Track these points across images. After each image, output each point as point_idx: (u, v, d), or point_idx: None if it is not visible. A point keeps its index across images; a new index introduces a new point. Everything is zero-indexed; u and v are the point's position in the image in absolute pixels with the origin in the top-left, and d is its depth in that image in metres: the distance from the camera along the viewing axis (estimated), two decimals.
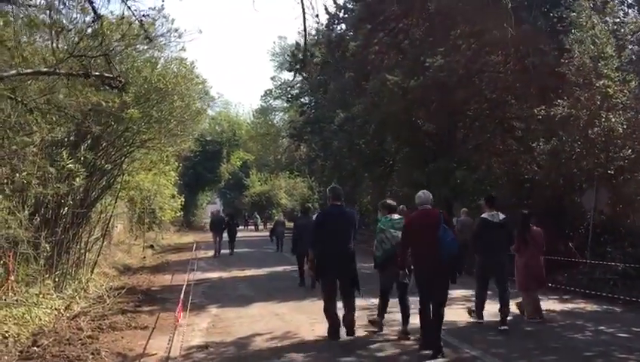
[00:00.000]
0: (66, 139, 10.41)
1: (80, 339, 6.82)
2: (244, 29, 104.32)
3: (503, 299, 7.39)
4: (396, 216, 7.16)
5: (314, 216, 10.51)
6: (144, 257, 20.03)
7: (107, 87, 6.15)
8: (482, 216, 7.81)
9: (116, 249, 18.37)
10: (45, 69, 5.70)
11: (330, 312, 6.79)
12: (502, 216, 7.66)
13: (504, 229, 7.62)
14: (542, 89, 13.61)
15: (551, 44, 13.34)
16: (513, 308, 7.85)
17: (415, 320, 6.57)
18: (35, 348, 6.30)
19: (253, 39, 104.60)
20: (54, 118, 7.30)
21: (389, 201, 7.55)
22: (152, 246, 24.08)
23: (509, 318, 7.39)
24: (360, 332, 7.03)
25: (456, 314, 8.06)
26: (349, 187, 27.89)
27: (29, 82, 6.27)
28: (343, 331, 6.78)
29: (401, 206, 12.72)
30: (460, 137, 19.41)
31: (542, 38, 13.30)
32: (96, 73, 5.85)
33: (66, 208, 10.43)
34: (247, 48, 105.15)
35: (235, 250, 20.92)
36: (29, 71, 5.66)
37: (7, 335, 6.79)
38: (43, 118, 7.12)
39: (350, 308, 6.85)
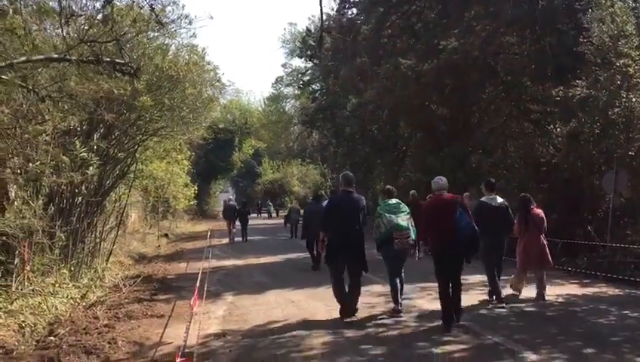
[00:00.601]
0: (79, 128, 10.40)
1: (96, 328, 6.81)
2: (255, 17, 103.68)
3: (499, 280, 7.92)
4: (393, 201, 7.45)
5: (324, 203, 10.67)
6: (159, 246, 20.09)
7: (119, 74, 6.03)
8: (481, 199, 8.20)
9: (131, 238, 18.41)
10: (56, 56, 5.60)
11: (339, 295, 7.14)
12: (500, 200, 8.00)
13: (501, 212, 7.91)
14: (559, 70, 13.30)
15: (569, 23, 13.02)
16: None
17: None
18: (51, 337, 6.28)
19: (264, 26, 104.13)
20: (66, 107, 7.23)
21: (388, 186, 7.97)
22: (166, 235, 24.16)
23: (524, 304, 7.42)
24: (383, 319, 6.95)
25: (475, 299, 7.96)
26: (362, 173, 27.72)
27: (39, 70, 6.17)
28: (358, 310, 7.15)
29: (412, 191, 12.99)
30: (475, 121, 19.16)
31: (559, 17, 12.97)
32: (108, 59, 5.73)
33: (81, 197, 10.43)
34: (258, 36, 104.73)
35: (249, 238, 21.17)
36: (39, 57, 5.56)
37: (23, 325, 6.78)
38: (55, 106, 7.05)
39: (355, 288, 7.16)
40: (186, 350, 5.69)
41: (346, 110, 25.42)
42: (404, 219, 7.21)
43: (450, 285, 6.52)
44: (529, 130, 16.98)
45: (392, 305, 7.30)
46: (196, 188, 29.48)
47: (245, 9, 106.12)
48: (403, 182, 24.99)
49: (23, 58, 5.40)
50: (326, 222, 7.37)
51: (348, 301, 7.08)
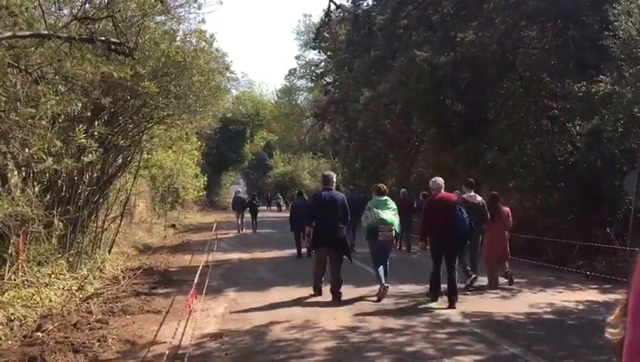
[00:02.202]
0: (83, 115, 10.06)
1: (88, 324, 6.45)
2: (269, 8, 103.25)
3: (474, 269, 8.93)
4: (382, 198, 8.40)
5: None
6: (165, 236, 19.83)
7: (114, 53, 5.64)
8: (463, 196, 8.97)
9: (137, 228, 18.13)
10: (45, 32, 5.21)
11: (316, 274, 8.33)
12: (479, 198, 9.09)
13: (480, 208, 8.90)
14: (581, 65, 12.74)
15: (593, 16, 12.43)
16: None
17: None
18: (38, 333, 5.92)
19: (278, 18, 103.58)
20: (62, 89, 6.86)
21: (379, 185, 8.84)
22: (173, 226, 23.91)
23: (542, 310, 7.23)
24: (390, 323, 6.54)
25: (491, 304, 7.53)
26: (374, 168, 27.27)
27: (32, 49, 5.80)
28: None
29: (403, 189, 15.73)
30: (490, 117, 18.63)
31: (583, 9, 12.39)
32: (102, 38, 5.34)
33: (81, 185, 10.10)
34: (272, 27, 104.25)
35: (258, 231, 21.19)
36: (26, 33, 5.18)
37: (12, 317, 6.44)
38: (50, 88, 6.68)
39: (336, 277, 8.09)
40: (179, 351, 5.33)
41: (359, 103, 24.96)
42: (389, 215, 8.15)
43: (447, 269, 7.54)
44: (547, 127, 16.45)
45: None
46: (206, 178, 29.26)
47: (260, 0, 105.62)
48: (415, 178, 24.54)
49: (9, 33, 5.02)
50: (311, 215, 8.53)
51: (320, 281, 8.29)
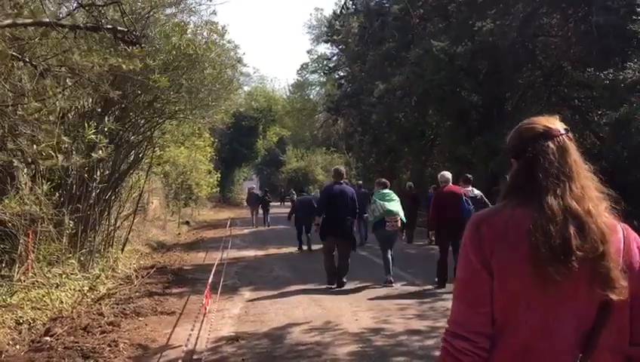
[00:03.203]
0: (93, 111, 9.82)
1: (100, 326, 6.20)
2: (280, 3, 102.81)
3: None
4: (386, 191, 8.95)
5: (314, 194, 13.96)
6: (179, 234, 19.63)
7: (122, 44, 5.35)
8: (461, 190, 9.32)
9: (151, 225, 17.94)
10: (47, 20, 4.93)
11: (328, 267, 8.69)
12: (477, 191, 9.39)
13: (478, 201, 8.99)
14: (605, 52, 12.27)
15: (620, 1, 11.95)
16: None
17: None
18: (47, 337, 5.67)
19: (290, 12, 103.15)
20: (69, 83, 6.59)
21: (383, 180, 9.40)
22: (187, 223, 23.74)
23: None
24: (415, 324, 6.21)
25: None
26: (388, 162, 26.87)
27: (36, 39, 5.52)
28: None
29: (409, 183, 16.36)
30: (509, 108, 18.18)
31: None
32: (109, 26, 5.05)
33: (93, 183, 9.87)
34: (284, 22, 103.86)
35: (271, 227, 21.46)
36: (27, 21, 4.90)
37: (21, 321, 6.20)
38: (57, 82, 6.42)
39: (342, 265, 8.64)
40: (194, 357, 5.05)
41: (373, 97, 24.57)
42: (394, 206, 8.70)
43: (454, 257, 7.64)
44: (568, 117, 15.99)
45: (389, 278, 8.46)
46: (219, 175, 29.07)
47: None
48: (430, 172, 24.10)
49: (9, 21, 4.74)
50: (320, 208, 9.09)
51: (334, 275, 8.58)
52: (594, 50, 12.65)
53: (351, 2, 23.55)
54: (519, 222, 1.43)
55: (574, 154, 1.54)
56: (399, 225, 8.65)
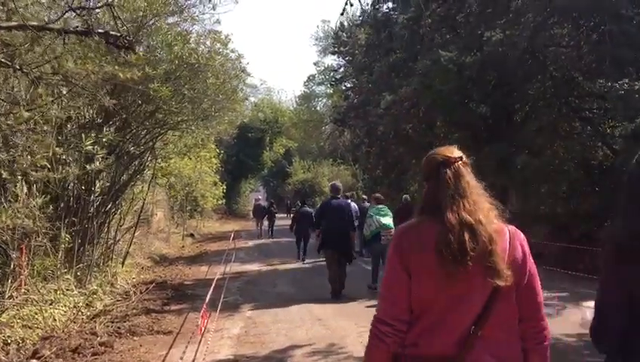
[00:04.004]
0: (93, 122, 9.58)
1: (92, 347, 5.89)
2: (288, 15, 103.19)
3: None
4: (381, 206, 9.59)
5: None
6: (183, 246, 19.34)
7: (117, 51, 5.10)
8: None
9: (154, 238, 17.65)
10: (34, 23, 4.68)
11: (331, 278, 9.01)
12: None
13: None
14: (619, 62, 11.90)
15: (634, 9, 11.61)
16: None
17: None
18: (34, 360, 5.36)
19: (296, 25, 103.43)
20: (64, 91, 6.35)
21: (378, 195, 10.27)
22: (192, 235, 23.45)
23: None
24: None
25: None
26: (395, 174, 26.52)
27: (25, 46, 5.27)
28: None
29: (405, 195, 16.99)
30: (518, 120, 17.84)
31: (622, 2, 11.57)
32: (100, 31, 4.80)
33: (91, 195, 9.61)
34: (290, 34, 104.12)
35: (276, 239, 21.48)
36: (13, 24, 4.65)
37: (9, 341, 5.90)
38: (49, 90, 6.17)
39: (342, 274, 9.08)
40: None
41: (380, 108, 24.29)
42: (388, 220, 9.25)
43: None
44: (580, 129, 15.65)
45: None
46: (225, 187, 28.86)
47: (279, 8, 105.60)
48: None
49: None
50: (317, 221, 9.89)
51: (337, 285, 8.94)
52: (606, 59, 12.29)
53: (351, 5, 23.25)
54: (428, 233, 1.84)
55: (467, 177, 1.94)
56: None
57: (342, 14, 9.39)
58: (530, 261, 1.91)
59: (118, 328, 6.77)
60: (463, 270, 1.75)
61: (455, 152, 1.98)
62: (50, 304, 7.40)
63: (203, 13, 10.57)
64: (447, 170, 1.92)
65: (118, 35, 4.87)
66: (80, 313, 7.64)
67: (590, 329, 1.91)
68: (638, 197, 1.94)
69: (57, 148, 6.26)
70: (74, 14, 5.60)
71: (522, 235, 1.93)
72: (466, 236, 1.77)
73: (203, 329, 5.65)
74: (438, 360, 1.80)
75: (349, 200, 12.87)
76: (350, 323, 6.87)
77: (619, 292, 1.81)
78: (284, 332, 6.58)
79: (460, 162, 1.95)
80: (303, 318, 7.36)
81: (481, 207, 1.87)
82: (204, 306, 6.09)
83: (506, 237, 1.86)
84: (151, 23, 9.27)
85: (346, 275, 9.15)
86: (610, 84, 11.73)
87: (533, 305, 1.91)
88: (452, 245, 1.76)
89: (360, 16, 27.64)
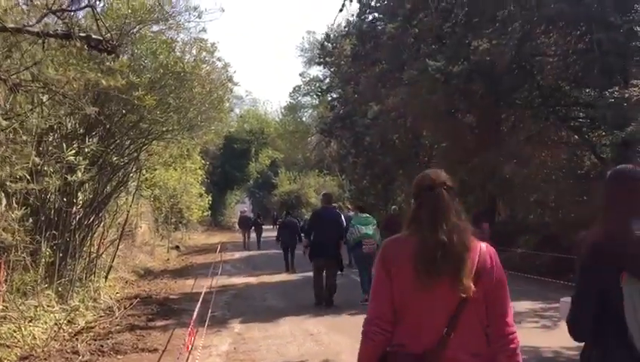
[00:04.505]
0: (76, 132, 9.30)
1: None
2: (273, 26, 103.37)
3: None
4: (364, 215, 9.99)
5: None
6: (168, 259, 18.96)
7: (95, 51, 4.88)
8: None
9: (138, 251, 17.25)
10: (12, 25, 4.44)
11: (316, 284, 9.27)
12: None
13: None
14: (607, 70, 11.90)
15: (622, 17, 11.61)
16: None
17: None
18: None
19: (282, 36, 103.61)
20: (44, 100, 6.09)
21: (360, 204, 10.88)
22: (177, 247, 23.07)
23: None
24: None
25: (534, 336, 6.53)
26: (382, 185, 26.41)
27: (3, 51, 5.03)
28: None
29: (394, 206, 17.46)
30: (505, 130, 17.84)
31: (610, 10, 11.56)
32: (82, 34, 4.57)
33: (73, 207, 9.30)
34: (276, 46, 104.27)
35: (263, 251, 21.27)
36: None
37: None
38: (30, 98, 5.92)
39: (330, 284, 9.17)
40: None
41: (367, 118, 24.21)
42: (370, 229, 9.49)
43: None
44: (567, 138, 15.65)
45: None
46: (210, 198, 28.55)
47: (264, 19, 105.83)
48: None
49: None
50: (308, 231, 10.11)
51: (322, 294, 9.11)
52: (594, 68, 12.29)
53: (350, 1, 23.08)
54: (409, 247, 2.11)
55: (448, 201, 2.17)
56: (374, 248, 9.02)
57: (340, 11, 9.29)
58: (500, 272, 2.13)
59: (101, 346, 6.47)
60: (435, 280, 2.04)
61: (441, 177, 2.24)
62: (30, 321, 7.09)
63: (189, 22, 10.39)
64: (431, 193, 2.19)
65: (101, 38, 4.66)
66: (61, 330, 7.33)
67: (567, 321, 2.18)
68: (614, 199, 2.21)
69: (37, 159, 5.98)
70: (55, 19, 5.41)
71: (493, 250, 2.17)
72: (439, 254, 2.04)
73: (190, 346, 5.38)
74: (417, 358, 2.06)
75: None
76: (344, 338, 6.61)
77: (594, 290, 2.10)
78: (275, 349, 6.33)
79: (444, 187, 2.19)
80: (294, 333, 7.12)
81: (457, 229, 2.11)
82: (192, 323, 5.82)
83: (477, 254, 2.11)
84: (135, 30, 9.06)
85: (336, 286, 9.18)
86: (597, 92, 11.74)
87: (500, 309, 2.12)
88: (426, 262, 2.05)
89: (345, 27, 27.66)
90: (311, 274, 12.14)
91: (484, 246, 2.15)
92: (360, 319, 2.32)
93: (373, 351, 2.12)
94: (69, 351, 6.24)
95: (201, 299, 7.48)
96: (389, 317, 2.10)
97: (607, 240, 2.08)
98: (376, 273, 2.19)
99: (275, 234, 31.93)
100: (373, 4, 24.51)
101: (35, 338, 6.73)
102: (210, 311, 8.16)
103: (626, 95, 10.37)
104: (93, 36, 4.69)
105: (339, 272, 9.52)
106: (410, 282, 2.05)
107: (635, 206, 2.11)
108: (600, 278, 2.07)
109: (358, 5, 23.36)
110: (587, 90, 14.35)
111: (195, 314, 6.30)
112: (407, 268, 2.06)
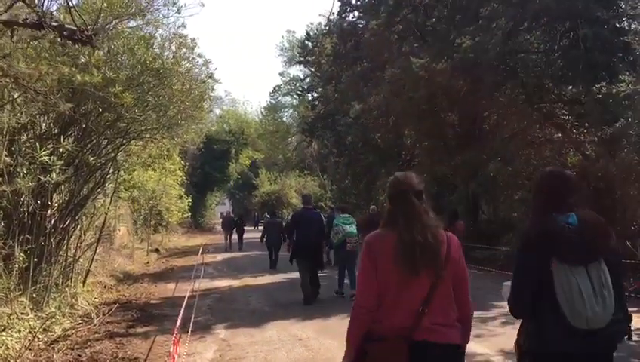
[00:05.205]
0: (50, 131, 8.90)
1: None
2: (252, 26, 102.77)
3: None
4: (346, 215, 10.50)
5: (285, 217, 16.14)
6: (147, 262, 18.51)
7: (69, 41, 4.56)
8: None
9: (117, 254, 16.79)
10: None
11: (304, 285, 9.38)
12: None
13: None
14: (593, 66, 11.84)
15: (607, 12, 11.55)
16: None
17: None
18: None
19: (261, 35, 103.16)
20: (14, 95, 5.74)
21: (343, 204, 11.07)
22: (157, 250, 22.60)
23: None
24: None
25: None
26: (364, 184, 26.23)
27: None
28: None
29: (372, 206, 17.17)
30: (487, 128, 17.78)
31: (595, 6, 11.50)
32: (54, 24, 4.25)
33: (48, 210, 8.90)
34: (255, 44, 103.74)
35: (246, 253, 20.89)
36: None
37: None
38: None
39: (315, 283, 9.56)
40: None
41: (349, 117, 24.01)
42: (353, 228, 9.98)
43: None
44: (551, 135, 15.62)
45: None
46: (190, 200, 28.12)
47: (243, 18, 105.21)
48: None
49: None
50: (290, 231, 10.66)
51: (309, 292, 9.32)
52: (580, 64, 12.23)
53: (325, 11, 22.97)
54: (389, 242, 2.51)
55: (417, 203, 2.56)
56: (357, 246, 9.53)
57: (328, 19, 9.03)
58: (462, 259, 2.59)
59: (79, 356, 6.15)
60: (412, 270, 2.44)
61: (412, 180, 2.62)
62: (3, 330, 6.70)
63: (167, 17, 10.06)
64: (404, 196, 2.57)
65: (75, 28, 4.34)
66: (36, 339, 6.95)
67: (508, 300, 2.61)
68: (542, 194, 2.64)
69: (8, 159, 5.62)
70: (27, 10, 5.07)
71: (457, 240, 2.60)
72: (417, 251, 2.44)
73: (176, 356, 5.08)
74: (398, 331, 2.43)
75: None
76: (334, 343, 6.33)
77: (528, 274, 2.52)
78: (263, 356, 6.04)
79: (415, 190, 2.58)
80: (282, 339, 6.83)
81: (429, 226, 2.52)
82: (175, 330, 5.52)
83: (446, 245, 2.53)
84: (111, 25, 8.70)
85: (319, 284, 9.69)
86: (584, 88, 11.67)
87: (463, 289, 2.59)
88: (406, 258, 2.44)
89: (326, 26, 27.45)
90: (294, 275, 11.98)
91: (449, 235, 2.57)
92: (347, 322, 2.61)
93: (361, 327, 2.52)
94: (44, 361, 5.89)
95: (184, 305, 7.17)
96: (375, 300, 2.49)
97: (537, 231, 2.53)
98: (363, 264, 2.57)
99: (256, 235, 31.68)
100: (354, 2, 24.37)
101: (8, 348, 6.36)
102: (193, 316, 7.85)
103: (614, 90, 10.29)
104: (67, 25, 4.39)
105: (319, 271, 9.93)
106: (390, 272, 2.46)
107: (557, 201, 2.55)
108: (533, 264, 2.49)
109: (339, 4, 23.13)
110: (571, 88, 14.31)
111: (179, 321, 5.99)
112: (388, 260, 2.46)
